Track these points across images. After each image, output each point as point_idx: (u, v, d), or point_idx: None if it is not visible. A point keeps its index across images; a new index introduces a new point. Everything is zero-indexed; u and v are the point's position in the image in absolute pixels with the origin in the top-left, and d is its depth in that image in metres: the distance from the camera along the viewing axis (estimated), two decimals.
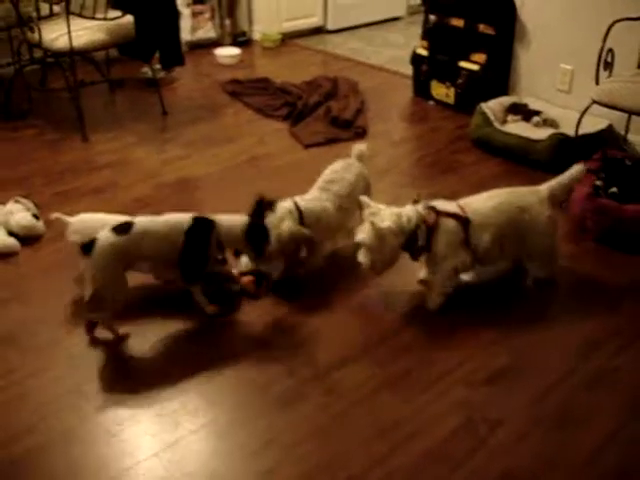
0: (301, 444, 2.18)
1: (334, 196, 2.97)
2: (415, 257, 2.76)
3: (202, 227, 2.64)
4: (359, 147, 3.21)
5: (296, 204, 2.88)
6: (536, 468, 2.10)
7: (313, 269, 2.98)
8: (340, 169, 3.07)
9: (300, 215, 2.86)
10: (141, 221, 2.59)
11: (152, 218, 2.64)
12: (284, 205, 2.85)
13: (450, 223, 2.68)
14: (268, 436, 2.20)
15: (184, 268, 2.66)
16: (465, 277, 2.88)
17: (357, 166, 3.11)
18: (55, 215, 2.75)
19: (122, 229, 2.53)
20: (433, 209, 2.70)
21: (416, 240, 2.66)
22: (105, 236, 2.49)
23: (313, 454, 2.14)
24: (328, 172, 3.09)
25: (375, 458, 2.12)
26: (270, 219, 2.79)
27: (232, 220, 2.70)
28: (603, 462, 2.12)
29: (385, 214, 2.65)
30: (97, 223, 2.73)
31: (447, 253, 2.70)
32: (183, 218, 2.65)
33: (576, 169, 2.87)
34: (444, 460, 2.12)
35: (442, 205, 2.73)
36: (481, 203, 2.77)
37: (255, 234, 2.70)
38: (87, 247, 2.46)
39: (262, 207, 2.79)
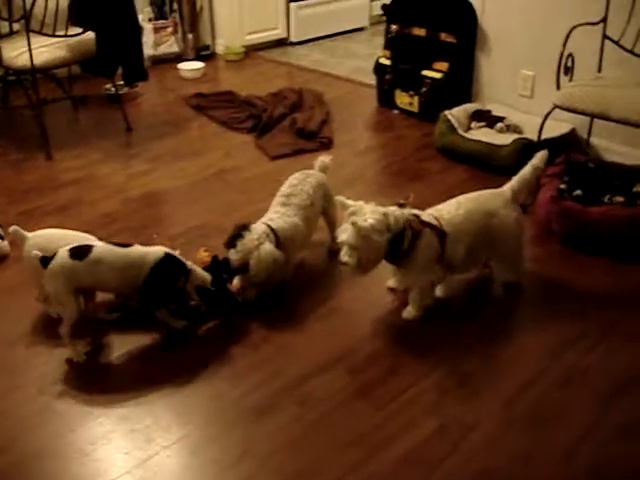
0: (275, 455, 2.17)
1: (298, 209, 2.95)
2: (394, 261, 2.69)
3: (173, 266, 2.62)
4: (323, 159, 3.20)
5: (269, 226, 2.84)
6: (512, 468, 2.11)
7: (280, 283, 2.96)
8: (296, 182, 3.05)
9: (275, 236, 2.82)
10: (100, 248, 2.56)
11: (113, 247, 2.58)
12: (259, 228, 2.80)
13: (431, 236, 2.65)
14: (242, 448, 2.19)
15: (144, 299, 2.65)
16: (437, 290, 2.87)
17: (315, 176, 3.09)
18: (13, 228, 2.72)
19: (78, 253, 2.51)
20: (417, 217, 2.67)
21: (402, 242, 2.60)
22: (60, 256, 2.49)
23: (288, 464, 2.13)
24: (285, 187, 3.05)
25: (350, 465, 2.12)
26: (246, 244, 2.74)
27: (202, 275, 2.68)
28: (578, 459, 2.14)
29: (367, 211, 2.56)
30: (56, 238, 2.72)
31: (425, 266, 2.67)
32: (149, 252, 2.61)
33: (537, 157, 2.87)
34: (419, 465, 2.12)
35: (423, 215, 2.69)
36: (453, 213, 2.74)
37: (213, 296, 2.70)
38: (45, 261, 2.49)
39: (218, 265, 2.78)
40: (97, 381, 2.49)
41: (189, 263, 2.66)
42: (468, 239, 2.72)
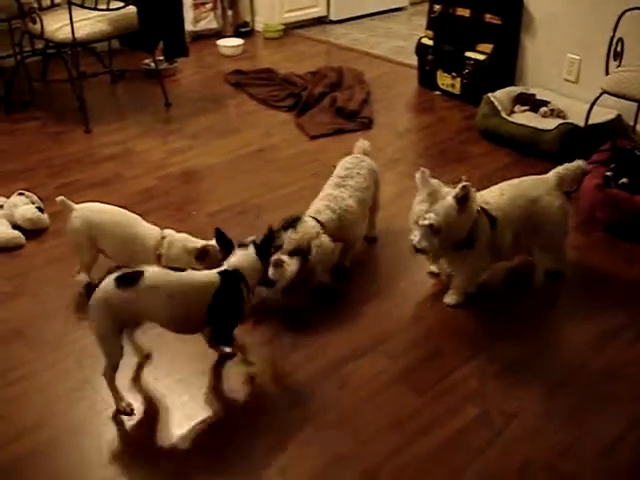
0: (315, 438, 2.15)
1: (354, 190, 2.87)
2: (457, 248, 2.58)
3: (232, 282, 2.26)
4: (361, 144, 3.14)
5: (316, 219, 2.72)
6: (552, 459, 2.08)
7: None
8: (351, 165, 2.98)
9: (323, 227, 2.72)
10: (152, 274, 2.18)
11: (166, 272, 2.23)
12: (309, 224, 2.67)
13: (485, 221, 2.61)
14: (282, 432, 2.17)
15: (217, 331, 2.33)
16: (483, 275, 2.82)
17: (367, 161, 3.04)
18: (60, 198, 2.73)
19: (126, 281, 2.15)
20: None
21: (475, 229, 2.54)
22: (104, 285, 2.15)
23: (328, 448, 2.12)
24: (340, 169, 2.98)
25: (389, 450, 2.10)
26: (308, 229, 2.64)
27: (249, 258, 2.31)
28: (619, 453, 2.10)
29: (445, 191, 2.48)
30: (101, 212, 2.73)
31: (481, 252, 2.62)
32: (206, 277, 2.26)
33: (578, 165, 2.81)
34: (459, 452, 2.10)
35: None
36: (497, 198, 2.69)
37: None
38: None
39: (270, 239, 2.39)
40: (133, 357, 2.47)
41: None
42: (514, 225, 2.67)
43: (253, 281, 2.30)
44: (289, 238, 2.60)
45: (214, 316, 2.23)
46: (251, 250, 2.30)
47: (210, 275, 2.25)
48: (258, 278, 2.34)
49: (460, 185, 2.44)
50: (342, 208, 2.79)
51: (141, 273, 2.14)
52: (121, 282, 2.12)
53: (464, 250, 2.60)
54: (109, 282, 2.12)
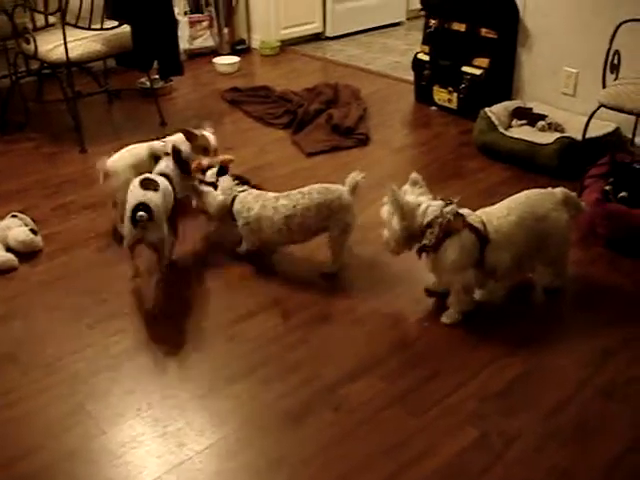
0: (310, 462, 2.11)
1: (289, 202, 2.92)
2: (419, 253, 2.67)
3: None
4: (354, 176, 2.91)
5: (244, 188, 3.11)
6: None
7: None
8: (314, 191, 2.92)
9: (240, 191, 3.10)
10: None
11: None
12: (231, 182, 3.11)
13: (468, 239, 2.57)
14: (276, 455, 2.14)
15: None
16: (476, 295, 2.78)
17: (331, 196, 2.88)
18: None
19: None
20: (462, 217, 2.59)
21: (421, 237, 2.60)
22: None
23: (322, 472, 2.08)
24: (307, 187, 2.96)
25: (385, 475, 2.05)
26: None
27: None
28: (620, 474, 2.06)
29: (406, 194, 2.63)
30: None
31: (455, 268, 2.60)
32: None
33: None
34: (458, 476, 2.06)
35: (469, 216, 2.62)
36: (502, 219, 2.64)
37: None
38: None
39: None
40: (128, 382, 2.45)
41: None
42: (516, 247, 2.64)
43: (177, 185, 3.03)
44: (223, 180, 3.12)
45: None
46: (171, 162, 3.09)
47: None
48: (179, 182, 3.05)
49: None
50: (265, 200, 2.99)
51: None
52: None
53: (438, 263, 2.63)
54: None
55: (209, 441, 2.19)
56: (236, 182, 3.12)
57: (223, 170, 3.20)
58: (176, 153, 3.11)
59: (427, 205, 2.59)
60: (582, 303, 2.87)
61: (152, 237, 2.77)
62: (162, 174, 2.99)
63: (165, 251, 2.89)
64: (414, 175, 2.63)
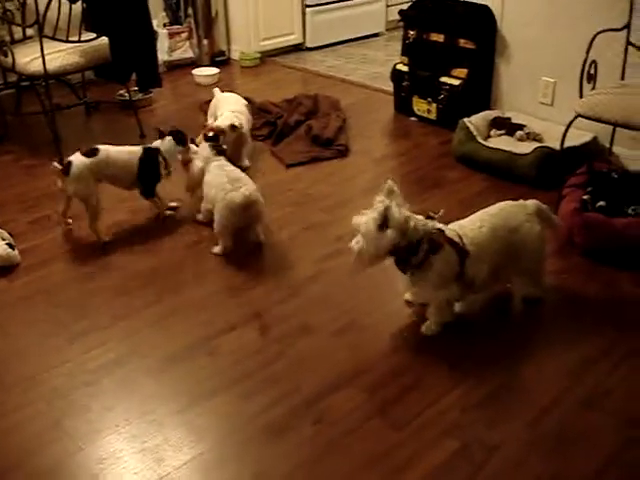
0: (291, 476, 2.10)
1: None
2: (404, 270, 2.61)
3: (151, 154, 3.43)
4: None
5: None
6: None
7: None
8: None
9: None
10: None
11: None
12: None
13: (450, 254, 2.56)
14: (256, 469, 2.12)
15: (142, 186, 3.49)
16: (457, 307, 2.78)
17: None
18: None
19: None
20: (442, 232, 2.58)
21: (415, 254, 2.53)
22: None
23: None
24: None
25: None
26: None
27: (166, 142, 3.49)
28: None
29: (393, 208, 2.48)
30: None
31: (440, 283, 2.59)
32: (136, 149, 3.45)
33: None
34: None
35: (447, 231, 2.60)
36: (476, 231, 2.64)
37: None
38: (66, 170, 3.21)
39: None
40: (106, 398, 2.42)
41: None
42: (492, 258, 2.64)
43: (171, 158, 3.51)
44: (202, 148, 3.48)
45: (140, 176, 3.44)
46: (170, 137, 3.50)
47: (137, 149, 3.46)
48: (174, 154, 3.52)
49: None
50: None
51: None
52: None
53: (423, 279, 2.58)
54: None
55: (187, 457, 2.17)
56: (214, 152, 3.40)
57: (216, 137, 3.63)
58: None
59: (416, 221, 2.53)
60: (561, 312, 2.87)
61: None
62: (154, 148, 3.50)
63: None
64: (390, 183, 2.55)
